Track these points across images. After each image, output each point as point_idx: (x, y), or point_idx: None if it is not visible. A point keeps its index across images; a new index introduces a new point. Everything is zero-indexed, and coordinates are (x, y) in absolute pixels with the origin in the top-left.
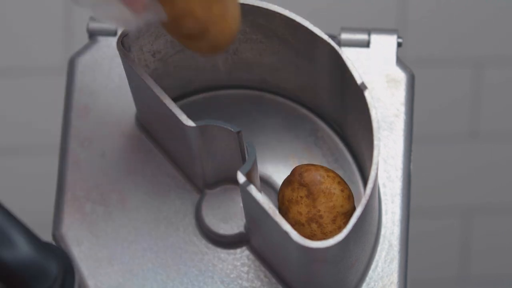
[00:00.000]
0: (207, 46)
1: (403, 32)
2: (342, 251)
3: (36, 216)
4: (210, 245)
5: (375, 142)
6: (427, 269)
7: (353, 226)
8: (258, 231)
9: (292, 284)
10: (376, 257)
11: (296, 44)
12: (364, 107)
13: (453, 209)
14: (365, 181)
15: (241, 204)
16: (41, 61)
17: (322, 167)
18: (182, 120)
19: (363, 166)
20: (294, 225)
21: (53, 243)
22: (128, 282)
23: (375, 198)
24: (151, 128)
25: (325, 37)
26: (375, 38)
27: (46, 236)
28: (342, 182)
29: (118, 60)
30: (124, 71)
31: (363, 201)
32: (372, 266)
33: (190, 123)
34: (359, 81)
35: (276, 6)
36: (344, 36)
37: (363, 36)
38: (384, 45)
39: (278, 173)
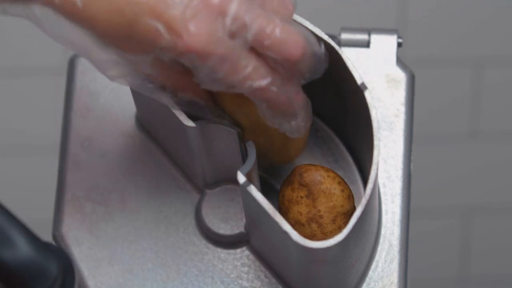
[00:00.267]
0: (265, 162)
1: (403, 32)
2: (342, 251)
3: (36, 216)
4: (210, 245)
5: (375, 142)
6: (427, 269)
7: (353, 226)
8: (258, 231)
9: (292, 284)
10: (376, 257)
11: None
12: (364, 107)
13: (453, 209)
14: (365, 181)
15: (241, 204)
16: (41, 61)
17: (322, 167)
18: (182, 120)
19: (363, 166)
20: (294, 225)
21: (53, 243)
22: (128, 282)
23: (375, 198)
24: (151, 128)
25: (325, 37)
26: (375, 38)
27: (46, 236)
28: (342, 182)
29: None
30: None
31: (363, 201)
32: (372, 266)
33: (190, 123)
34: (359, 81)
35: None
36: (344, 36)
37: (363, 36)
38: (384, 45)
39: (278, 173)
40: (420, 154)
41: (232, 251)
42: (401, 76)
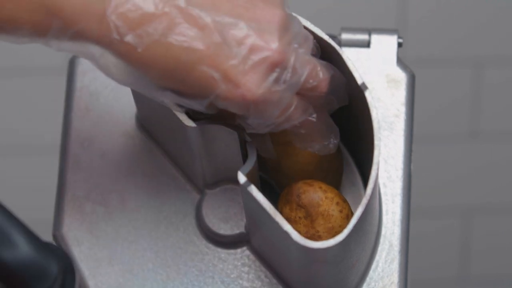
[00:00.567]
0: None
1: (403, 32)
2: (343, 251)
3: (36, 216)
4: (210, 245)
5: (376, 142)
6: (427, 269)
7: (354, 226)
8: (259, 231)
9: (293, 285)
10: (377, 257)
11: None
12: (364, 107)
13: (453, 209)
14: (365, 181)
15: (241, 204)
16: (41, 61)
17: (320, 186)
18: (182, 121)
19: (364, 166)
20: None
21: (53, 243)
22: (128, 282)
23: (375, 198)
24: (151, 128)
25: (326, 37)
26: (375, 38)
27: (46, 236)
28: (340, 202)
29: None
30: None
31: (364, 201)
32: (373, 266)
33: (190, 123)
34: (359, 81)
35: None
36: (345, 36)
37: (363, 36)
38: (385, 45)
39: None
40: (420, 154)
41: (232, 251)
42: (401, 76)
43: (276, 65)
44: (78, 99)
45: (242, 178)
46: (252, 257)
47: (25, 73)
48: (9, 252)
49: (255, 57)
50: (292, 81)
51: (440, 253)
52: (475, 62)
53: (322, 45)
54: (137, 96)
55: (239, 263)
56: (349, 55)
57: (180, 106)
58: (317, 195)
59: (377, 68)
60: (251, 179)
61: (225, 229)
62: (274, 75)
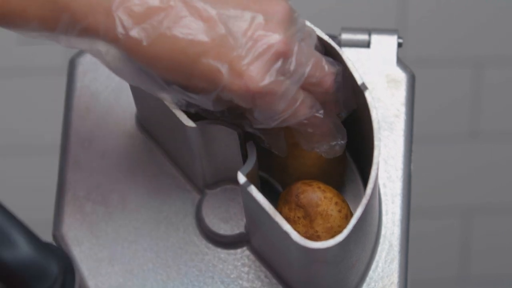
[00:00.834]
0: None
1: (403, 32)
2: (343, 252)
3: (36, 216)
4: (210, 245)
5: (376, 143)
6: (427, 269)
7: (354, 226)
8: (258, 231)
9: (293, 285)
10: (377, 257)
11: None
12: (364, 107)
13: (453, 209)
14: (365, 181)
15: (241, 204)
16: (41, 61)
17: (319, 186)
18: (182, 121)
19: (363, 166)
20: None
21: (53, 243)
22: (128, 282)
23: (375, 198)
24: (151, 128)
25: (326, 37)
26: (375, 38)
27: (46, 236)
28: (339, 202)
29: None
30: None
31: (364, 201)
32: (373, 267)
33: (190, 123)
34: (359, 82)
35: None
36: (345, 36)
37: (363, 37)
38: (385, 45)
39: None
40: (420, 154)
41: (232, 251)
42: (401, 76)
43: (281, 55)
44: (78, 99)
45: (242, 178)
46: (252, 257)
47: (25, 73)
48: (9, 252)
49: (259, 47)
50: (297, 72)
51: (440, 253)
52: (475, 62)
53: (321, 45)
54: (137, 96)
55: (239, 263)
56: (349, 55)
57: (189, 106)
58: (316, 195)
59: (377, 68)
60: (251, 179)
61: (225, 229)
62: (278, 64)
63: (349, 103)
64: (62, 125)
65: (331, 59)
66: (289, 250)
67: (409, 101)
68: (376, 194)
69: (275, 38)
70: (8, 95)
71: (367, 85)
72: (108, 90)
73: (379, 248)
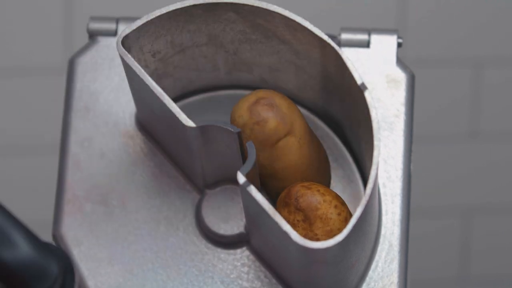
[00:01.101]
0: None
1: (403, 32)
2: (342, 252)
3: (36, 216)
4: (210, 245)
5: (375, 143)
6: (427, 269)
7: (353, 227)
8: (258, 231)
9: (292, 285)
10: (376, 257)
11: (295, 44)
12: (364, 107)
13: (453, 209)
14: (365, 181)
15: (241, 204)
16: (41, 61)
17: (318, 189)
18: (182, 121)
19: (363, 166)
20: None
21: (53, 243)
22: (128, 282)
23: (375, 198)
24: (151, 128)
25: (325, 37)
26: (375, 38)
27: (46, 236)
28: (339, 205)
29: (118, 61)
30: (124, 71)
31: (363, 201)
32: (372, 266)
33: (190, 123)
34: (359, 82)
35: (276, 7)
36: (344, 36)
37: (363, 36)
38: (384, 45)
39: None
40: (420, 154)
41: (232, 251)
42: (401, 76)
43: None
44: (78, 99)
45: (241, 178)
46: (252, 257)
47: (25, 73)
48: (9, 252)
49: None
50: None
51: (440, 253)
52: (475, 62)
53: (322, 45)
54: (137, 96)
55: (239, 263)
56: (349, 55)
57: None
58: (315, 198)
59: (377, 68)
60: (250, 179)
61: (225, 229)
62: None
63: None
64: (62, 125)
65: None
66: (289, 250)
67: (409, 101)
68: (375, 194)
69: None
70: (8, 95)
71: (367, 85)
72: (107, 90)
73: (379, 248)
